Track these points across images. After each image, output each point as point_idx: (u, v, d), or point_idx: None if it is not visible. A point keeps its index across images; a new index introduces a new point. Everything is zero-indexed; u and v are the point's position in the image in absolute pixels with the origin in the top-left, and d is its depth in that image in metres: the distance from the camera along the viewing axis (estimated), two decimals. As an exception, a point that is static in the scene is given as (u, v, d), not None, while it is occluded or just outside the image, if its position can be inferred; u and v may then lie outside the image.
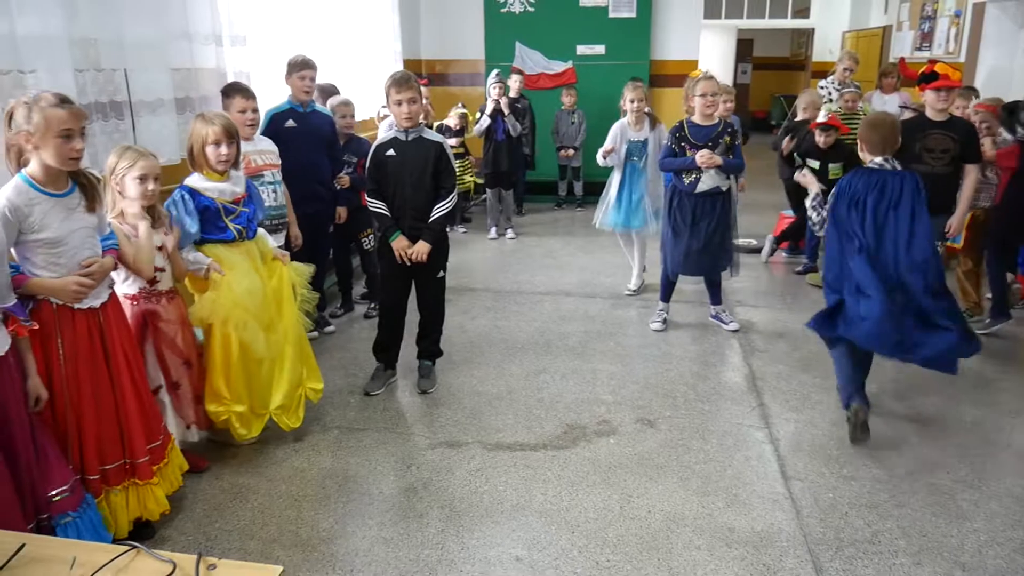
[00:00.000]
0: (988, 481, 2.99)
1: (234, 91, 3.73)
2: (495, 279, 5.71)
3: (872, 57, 9.64)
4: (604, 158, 5.05)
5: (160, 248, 2.87)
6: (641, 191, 5.09)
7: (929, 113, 4.08)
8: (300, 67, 4.20)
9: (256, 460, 3.22)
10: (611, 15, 8.04)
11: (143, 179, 2.71)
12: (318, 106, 4.48)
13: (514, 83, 7.12)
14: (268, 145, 3.88)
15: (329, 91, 4.96)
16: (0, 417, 2.14)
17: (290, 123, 4.20)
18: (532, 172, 7.92)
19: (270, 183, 3.80)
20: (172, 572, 1.35)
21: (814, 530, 2.72)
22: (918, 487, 2.95)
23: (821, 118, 5.30)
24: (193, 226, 3.02)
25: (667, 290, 4.74)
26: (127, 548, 1.42)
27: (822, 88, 6.54)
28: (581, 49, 8.17)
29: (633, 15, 8.03)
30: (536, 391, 3.86)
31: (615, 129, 5.07)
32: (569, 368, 4.14)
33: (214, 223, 3.09)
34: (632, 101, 4.98)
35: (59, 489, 2.30)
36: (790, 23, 13.33)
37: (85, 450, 2.48)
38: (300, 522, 2.79)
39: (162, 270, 2.89)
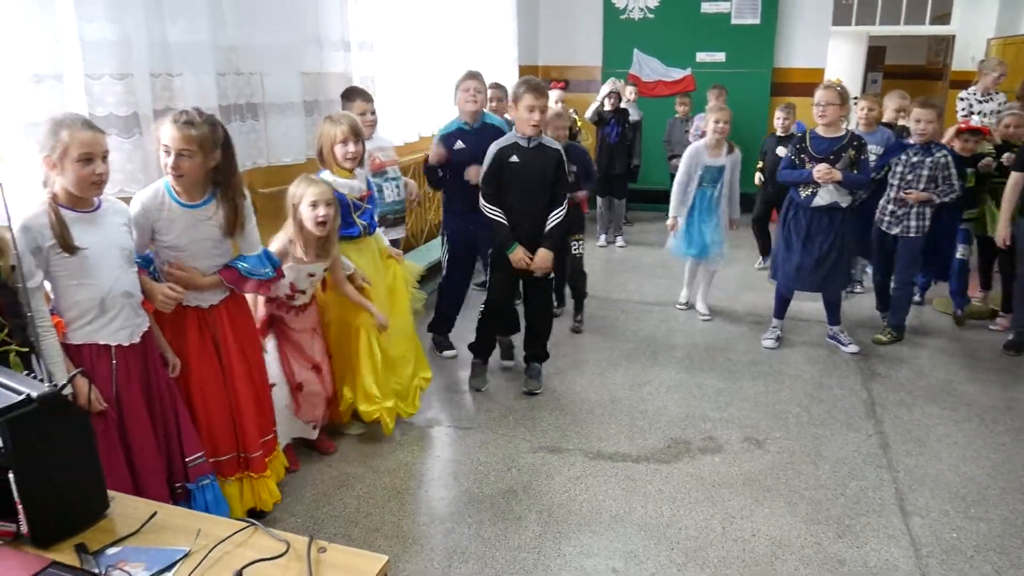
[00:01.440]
0: None
1: (354, 95, 3.87)
2: (603, 287, 5.66)
3: (1021, 67, 8.94)
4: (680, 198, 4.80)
5: (311, 275, 3.00)
6: (715, 220, 4.79)
7: None
8: (465, 78, 4.08)
9: (363, 451, 3.33)
10: (733, 21, 7.84)
11: (314, 205, 2.86)
12: (489, 116, 4.26)
13: (629, 93, 7.05)
14: (389, 143, 4.03)
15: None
16: (151, 385, 2.36)
17: (459, 144, 4.02)
18: (641, 180, 7.79)
19: (392, 179, 3.95)
20: (286, 551, 1.41)
21: (933, 571, 2.54)
22: (1056, 534, 2.71)
23: (975, 123, 4.87)
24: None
25: (781, 306, 4.55)
26: (246, 524, 1.50)
27: (962, 100, 6.10)
28: (701, 56, 8.00)
29: (757, 21, 7.79)
30: (640, 402, 3.80)
31: (689, 154, 4.72)
32: (675, 381, 4.05)
33: (344, 219, 3.17)
34: (717, 122, 4.62)
35: (195, 455, 2.49)
36: (928, 29, 12.54)
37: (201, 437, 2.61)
38: (402, 514, 2.87)
39: (302, 292, 3.02)
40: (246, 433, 2.70)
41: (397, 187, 3.96)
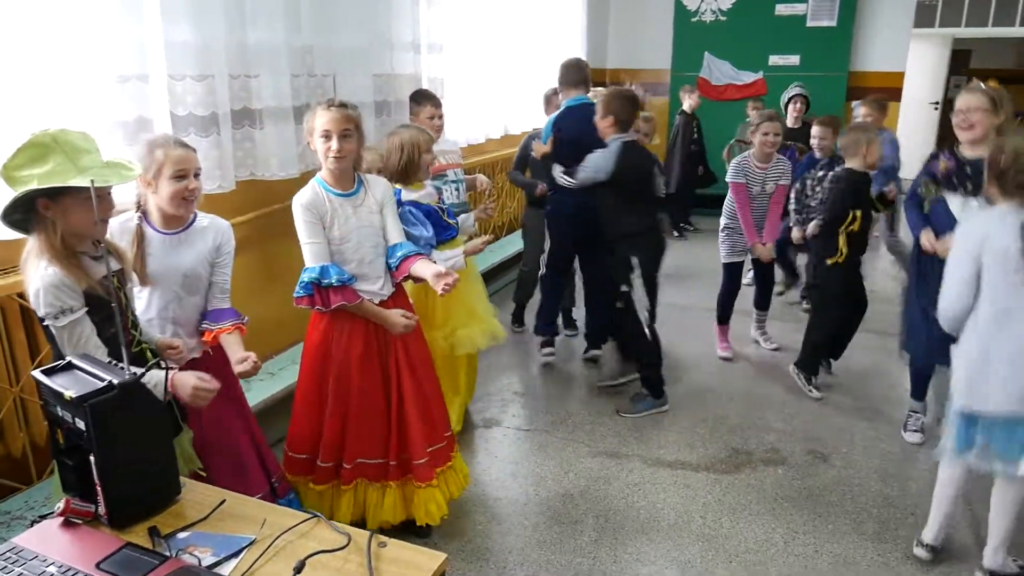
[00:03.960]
0: None
1: (424, 98, 3.89)
2: (665, 293, 5.58)
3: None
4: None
5: None
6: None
7: None
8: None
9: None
10: (809, 24, 7.64)
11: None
12: None
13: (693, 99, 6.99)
14: (451, 146, 4.05)
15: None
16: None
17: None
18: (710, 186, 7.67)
19: (453, 181, 3.96)
20: (347, 544, 1.44)
21: None
22: None
23: None
24: (428, 230, 3.08)
25: (920, 385, 3.46)
26: (310, 516, 1.54)
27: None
28: (773, 59, 7.83)
29: (833, 24, 7.58)
30: (701, 409, 3.74)
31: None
32: (737, 390, 3.97)
33: (441, 225, 3.14)
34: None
35: (276, 476, 2.51)
36: (1019, 31, 11.96)
37: (346, 442, 2.57)
38: (459, 514, 2.89)
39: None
40: (411, 441, 2.60)
41: (457, 189, 3.98)
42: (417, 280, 2.55)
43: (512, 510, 2.93)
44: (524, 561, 2.62)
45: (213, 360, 2.27)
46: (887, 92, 7.70)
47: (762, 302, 4.57)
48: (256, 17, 3.12)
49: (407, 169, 3.03)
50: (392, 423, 2.59)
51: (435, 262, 2.65)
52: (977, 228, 2.37)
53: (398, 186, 3.12)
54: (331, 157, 2.38)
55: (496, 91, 5.45)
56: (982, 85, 3.00)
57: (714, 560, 2.62)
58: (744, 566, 2.59)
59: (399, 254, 2.52)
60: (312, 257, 2.40)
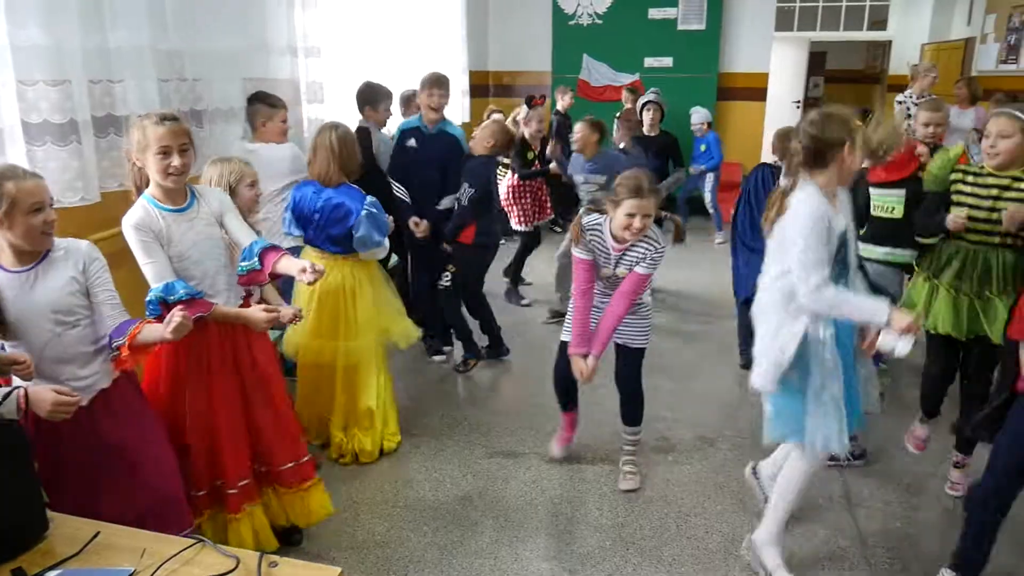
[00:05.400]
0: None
1: (278, 103, 3.72)
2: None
3: (953, 71, 9.29)
4: None
5: None
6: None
7: None
8: (429, 84, 4.11)
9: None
10: (680, 27, 7.98)
11: (253, 185, 2.76)
12: (451, 127, 4.25)
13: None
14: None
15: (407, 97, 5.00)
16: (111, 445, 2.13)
17: (411, 142, 4.16)
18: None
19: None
20: (235, 567, 1.39)
21: (880, 560, 2.62)
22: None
23: None
24: None
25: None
26: (194, 542, 1.47)
27: (900, 102, 6.31)
28: (648, 61, 8.12)
29: (702, 27, 7.95)
30: (595, 404, 3.82)
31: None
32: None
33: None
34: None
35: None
36: (866, 35, 12.94)
37: (222, 460, 2.46)
38: (356, 525, 2.84)
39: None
40: (272, 453, 2.55)
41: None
42: (275, 277, 2.46)
43: (411, 516, 2.90)
44: (424, 567, 2.60)
45: (120, 389, 2.15)
46: (754, 92, 8.19)
47: None
48: (116, 19, 2.95)
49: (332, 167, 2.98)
50: (253, 433, 2.52)
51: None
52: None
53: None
54: (172, 174, 2.24)
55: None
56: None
57: (612, 549, 2.69)
58: (639, 552, 2.67)
59: (257, 248, 2.39)
60: (154, 277, 2.24)
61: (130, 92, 3.02)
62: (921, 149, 3.36)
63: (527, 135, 5.82)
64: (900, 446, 3.35)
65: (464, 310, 4.26)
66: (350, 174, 3.18)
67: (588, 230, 2.87)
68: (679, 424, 3.62)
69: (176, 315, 1.95)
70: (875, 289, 2.64)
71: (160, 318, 2.09)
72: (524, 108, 6.19)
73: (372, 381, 3.28)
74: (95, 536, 1.49)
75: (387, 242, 3.25)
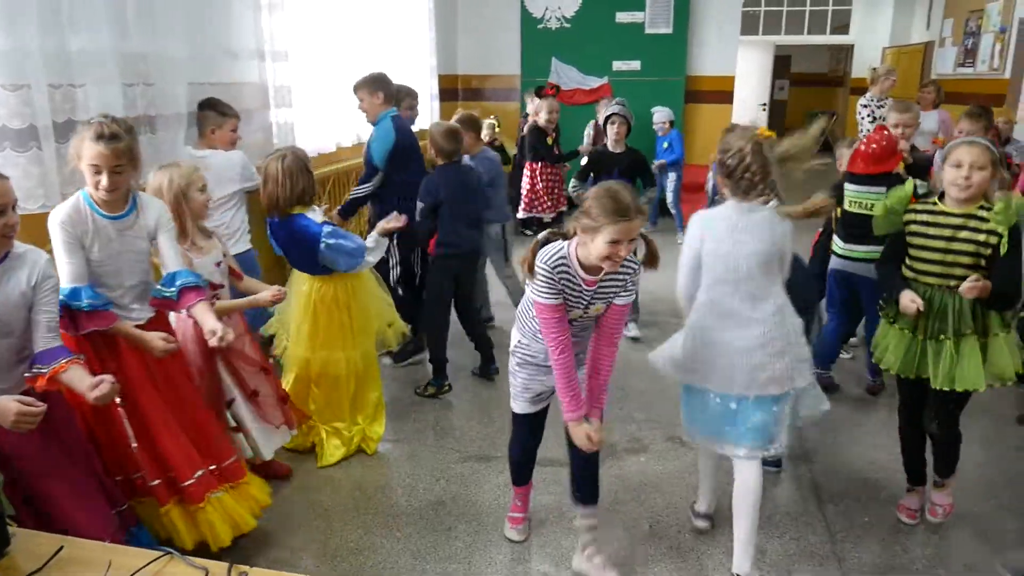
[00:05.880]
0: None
1: (229, 111, 3.68)
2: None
3: (913, 74, 9.50)
4: None
5: (218, 264, 2.85)
6: None
7: None
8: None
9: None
10: (647, 31, 8.05)
11: (203, 189, 2.75)
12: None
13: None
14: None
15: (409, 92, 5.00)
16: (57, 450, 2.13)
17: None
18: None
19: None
20: (205, 579, 1.37)
21: (849, 554, 2.66)
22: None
23: None
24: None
25: None
26: (162, 553, 1.45)
27: (864, 106, 6.39)
28: (617, 65, 8.18)
29: (669, 31, 8.02)
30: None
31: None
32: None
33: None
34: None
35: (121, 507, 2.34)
36: (829, 39, 13.18)
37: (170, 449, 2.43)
38: (329, 532, 2.81)
39: (221, 286, 2.87)
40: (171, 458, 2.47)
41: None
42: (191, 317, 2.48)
43: (384, 523, 2.88)
44: (398, 573, 2.59)
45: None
46: (721, 95, 8.29)
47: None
48: (76, 22, 2.90)
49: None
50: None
51: (216, 300, 2.68)
52: (697, 225, 2.50)
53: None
54: (101, 192, 2.24)
55: (347, 99, 5.34)
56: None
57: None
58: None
59: (178, 283, 2.39)
60: (68, 278, 2.22)
61: (92, 97, 2.97)
62: (903, 145, 3.41)
63: (541, 122, 6.43)
64: (869, 439, 3.41)
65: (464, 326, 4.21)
66: (305, 201, 3.12)
67: (555, 267, 2.22)
68: (650, 424, 3.64)
69: (106, 385, 1.95)
70: (875, 289, 2.70)
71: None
72: (535, 99, 6.68)
73: (376, 374, 3.47)
74: (59, 551, 1.45)
75: (375, 256, 3.30)
